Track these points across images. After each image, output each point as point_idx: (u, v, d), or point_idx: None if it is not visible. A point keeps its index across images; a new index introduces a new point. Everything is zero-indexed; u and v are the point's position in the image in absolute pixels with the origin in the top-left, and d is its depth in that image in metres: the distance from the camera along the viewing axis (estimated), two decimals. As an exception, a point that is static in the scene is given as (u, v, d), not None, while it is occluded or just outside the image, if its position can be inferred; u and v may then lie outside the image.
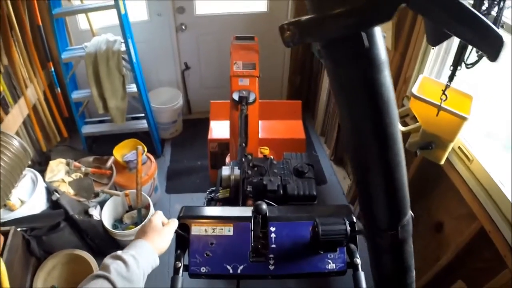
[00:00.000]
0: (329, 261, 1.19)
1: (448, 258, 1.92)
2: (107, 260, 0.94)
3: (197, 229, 1.21)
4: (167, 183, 3.39)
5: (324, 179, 3.36)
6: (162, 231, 1.11)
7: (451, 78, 1.60)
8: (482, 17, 0.64)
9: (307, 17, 0.67)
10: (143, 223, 1.15)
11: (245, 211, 1.26)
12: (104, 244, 2.68)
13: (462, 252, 1.85)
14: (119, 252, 0.96)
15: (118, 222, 2.85)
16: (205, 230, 1.21)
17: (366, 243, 1.10)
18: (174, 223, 1.16)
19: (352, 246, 1.21)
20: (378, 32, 0.71)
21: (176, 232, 1.23)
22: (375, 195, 0.93)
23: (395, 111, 0.79)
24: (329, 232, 1.13)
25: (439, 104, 1.62)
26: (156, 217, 1.15)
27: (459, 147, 1.84)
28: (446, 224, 2.00)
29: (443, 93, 1.62)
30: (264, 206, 1.16)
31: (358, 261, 1.17)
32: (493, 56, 0.65)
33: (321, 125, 3.85)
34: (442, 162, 1.83)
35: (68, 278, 2.46)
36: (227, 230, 1.21)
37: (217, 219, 1.24)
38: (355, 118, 0.83)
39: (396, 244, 0.99)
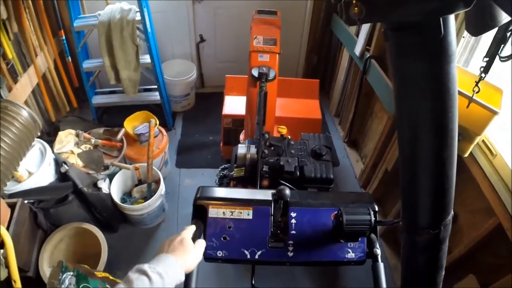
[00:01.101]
0: (349, 250, 1.15)
1: (460, 251, 1.87)
2: (132, 274, 0.88)
3: (214, 212, 1.17)
4: (178, 157, 3.34)
5: (336, 161, 3.30)
6: (192, 250, 1.05)
7: (486, 70, 1.51)
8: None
9: None
10: (172, 237, 1.06)
11: (265, 194, 1.21)
12: (113, 218, 2.67)
13: (475, 247, 1.80)
14: (145, 267, 0.89)
15: (127, 196, 2.83)
16: (223, 212, 1.17)
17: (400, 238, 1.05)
18: (203, 243, 1.10)
19: (373, 236, 1.17)
20: (453, 19, 0.64)
21: (192, 215, 1.19)
22: (423, 192, 0.88)
23: (457, 106, 0.72)
24: (353, 222, 1.08)
25: (470, 96, 1.55)
26: (188, 233, 1.08)
27: (483, 141, 1.77)
28: (460, 217, 1.95)
29: (476, 85, 1.53)
30: (287, 191, 1.11)
31: (378, 251, 1.13)
32: None
33: (336, 106, 3.77)
34: (467, 155, 1.77)
35: (75, 251, 2.44)
36: (246, 213, 1.16)
37: (236, 201, 1.19)
38: (416, 110, 0.77)
39: (435, 243, 0.94)
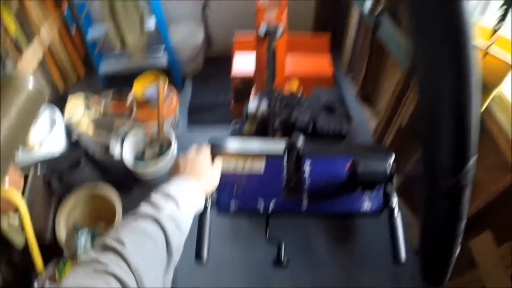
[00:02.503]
0: (365, 201, 1.12)
1: (477, 206, 1.84)
2: (158, 197, 0.81)
3: (226, 162, 1.14)
4: (189, 118, 3.33)
5: (349, 117, 3.22)
6: (211, 172, 1.02)
7: (502, 18, 1.44)
8: None
9: None
10: (188, 156, 1.04)
11: (278, 144, 1.18)
12: (125, 180, 2.67)
13: (492, 203, 1.76)
14: (170, 191, 0.83)
15: (139, 158, 2.83)
16: (235, 163, 1.14)
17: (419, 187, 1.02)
18: (220, 164, 1.09)
19: (389, 187, 1.13)
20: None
21: None
22: (445, 132, 0.84)
23: (474, 37, 0.69)
24: (369, 170, 1.04)
25: (486, 46, 1.48)
26: (206, 152, 1.06)
27: (499, 95, 1.70)
28: (478, 172, 1.90)
29: (492, 35, 1.47)
30: (301, 139, 1.08)
31: (395, 203, 1.10)
32: None
33: (348, 61, 3.66)
34: (482, 109, 1.71)
35: (90, 214, 2.46)
36: (259, 164, 1.14)
37: (248, 152, 1.16)
38: (435, 40, 0.74)
39: (457, 189, 0.91)
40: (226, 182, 1.13)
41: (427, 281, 1.22)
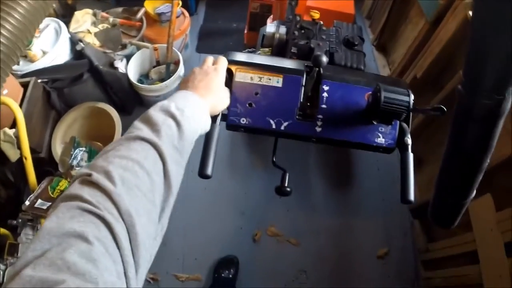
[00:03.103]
0: (379, 135, 1.08)
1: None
2: (156, 113, 0.68)
3: (241, 76, 1.08)
4: (199, 42, 3.24)
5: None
6: (222, 91, 0.93)
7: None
8: None
9: None
10: (202, 68, 0.92)
11: (298, 64, 1.13)
12: (128, 99, 2.63)
13: (497, 166, 1.71)
14: (172, 108, 0.70)
15: (144, 77, 2.77)
16: (251, 78, 1.08)
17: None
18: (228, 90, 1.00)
19: (404, 125, 1.09)
20: None
21: None
22: (495, 41, 0.78)
23: None
24: (391, 100, 0.99)
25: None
26: (222, 67, 0.96)
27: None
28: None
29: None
30: (324, 59, 1.01)
31: (409, 141, 1.05)
32: None
33: (369, 7, 3.54)
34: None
35: (89, 132, 2.43)
36: (276, 81, 1.08)
37: (266, 67, 1.10)
38: None
39: (494, 113, 0.86)
40: (240, 96, 1.07)
41: (435, 221, 1.20)
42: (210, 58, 0.99)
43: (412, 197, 0.98)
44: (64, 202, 0.53)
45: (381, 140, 1.08)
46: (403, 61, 2.69)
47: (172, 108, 0.70)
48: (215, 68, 0.94)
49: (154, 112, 0.69)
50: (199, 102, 0.80)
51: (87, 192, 0.53)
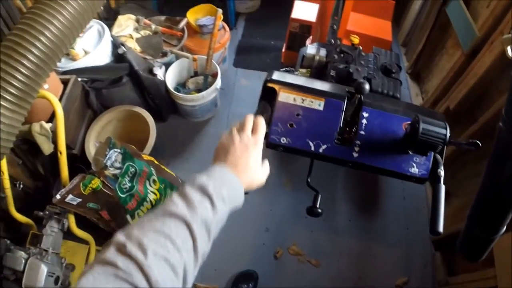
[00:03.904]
0: (414, 165, 1.11)
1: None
2: (193, 192, 0.71)
3: (285, 96, 1.13)
4: (236, 57, 3.31)
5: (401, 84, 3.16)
6: (259, 171, 0.90)
7: None
8: None
9: None
10: (239, 138, 0.88)
11: (340, 89, 1.17)
12: (164, 105, 2.70)
13: None
14: (210, 189, 0.72)
15: (181, 86, 2.84)
16: (294, 99, 1.13)
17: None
18: (268, 165, 0.95)
19: (438, 156, 1.12)
20: None
21: (260, 98, 1.16)
22: None
23: None
24: (429, 132, 1.02)
25: None
26: (260, 138, 0.90)
27: None
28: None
29: None
30: (367, 86, 1.05)
31: (442, 173, 1.08)
32: None
33: (405, 35, 3.55)
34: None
35: (122, 134, 2.49)
36: (318, 104, 1.12)
37: (309, 90, 1.14)
38: None
39: None
40: (282, 116, 1.12)
41: (463, 252, 1.22)
42: (249, 122, 0.93)
43: (441, 228, 1.00)
44: (100, 265, 0.58)
45: (415, 170, 1.11)
46: (436, 91, 2.69)
47: (210, 189, 0.73)
48: (255, 142, 0.89)
49: (192, 189, 0.72)
50: (236, 182, 0.80)
51: (121, 261, 0.59)
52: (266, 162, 0.94)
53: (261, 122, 0.93)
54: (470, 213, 1.16)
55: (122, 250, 0.60)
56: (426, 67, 3.14)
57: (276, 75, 1.17)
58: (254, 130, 0.91)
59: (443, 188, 1.06)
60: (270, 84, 1.15)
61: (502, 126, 0.96)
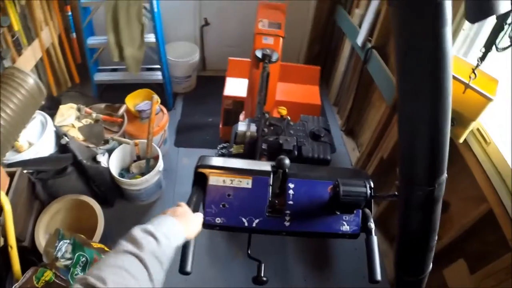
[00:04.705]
0: (344, 223, 1.20)
1: (451, 237, 1.93)
2: (138, 233, 0.82)
3: (215, 179, 1.20)
4: (177, 136, 3.38)
5: (333, 146, 3.35)
6: (193, 217, 1.04)
7: (482, 58, 1.58)
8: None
9: None
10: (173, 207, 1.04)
11: (265, 165, 1.25)
12: (110, 192, 2.70)
13: (465, 234, 1.86)
14: (150, 227, 0.84)
15: (125, 171, 2.86)
16: (223, 180, 1.20)
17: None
18: (201, 216, 1.10)
19: (367, 210, 1.22)
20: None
21: (193, 183, 1.22)
22: (420, 146, 0.95)
23: (450, 67, 0.82)
24: (350, 193, 1.12)
25: (467, 82, 1.61)
26: (186, 206, 1.08)
27: (477, 129, 1.81)
28: (452, 205, 2.00)
29: (473, 72, 1.59)
30: (287, 161, 1.15)
31: (372, 225, 1.18)
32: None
33: (335, 95, 3.81)
34: (461, 141, 1.81)
35: (71, 223, 2.46)
36: (246, 182, 1.20)
37: (237, 170, 1.22)
38: (414, 72, 0.87)
39: (430, 201, 1.01)
40: (214, 198, 1.19)
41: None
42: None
43: (379, 277, 1.08)
44: None
45: (346, 228, 1.20)
46: (370, 143, 2.86)
47: (150, 227, 0.85)
48: (183, 204, 1.07)
49: (135, 231, 0.83)
50: (173, 221, 0.93)
51: None
52: (199, 213, 1.10)
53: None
54: (395, 260, 1.25)
55: (83, 282, 0.68)
56: (358, 122, 3.35)
57: (205, 160, 1.25)
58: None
59: (375, 239, 1.15)
60: (200, 170, 1.22)
61: (398, 183, 1.08)
